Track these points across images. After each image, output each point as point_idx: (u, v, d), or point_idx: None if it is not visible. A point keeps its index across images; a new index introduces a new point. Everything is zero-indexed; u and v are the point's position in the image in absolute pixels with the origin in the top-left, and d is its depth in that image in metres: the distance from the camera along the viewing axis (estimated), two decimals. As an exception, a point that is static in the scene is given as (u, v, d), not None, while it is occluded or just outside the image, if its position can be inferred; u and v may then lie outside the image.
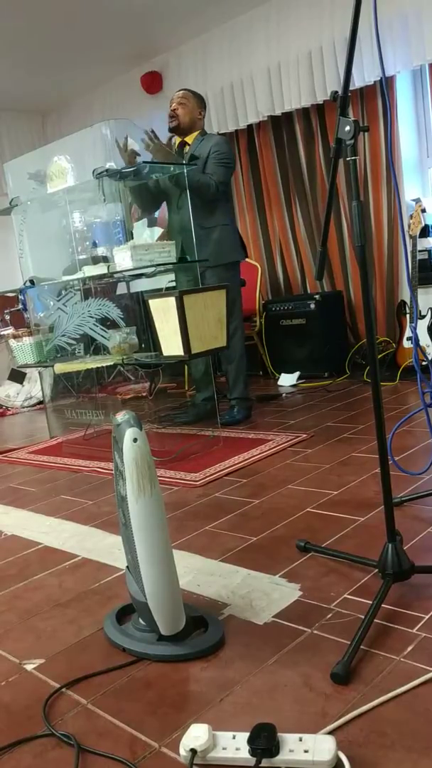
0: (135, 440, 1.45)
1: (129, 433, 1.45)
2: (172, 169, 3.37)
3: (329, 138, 4.76)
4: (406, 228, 3.75)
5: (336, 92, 1.50)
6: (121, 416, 1.50)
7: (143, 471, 1.45)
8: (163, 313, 2.83)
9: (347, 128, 1.49)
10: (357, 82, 4.31)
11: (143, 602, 1.52)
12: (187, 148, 3.65)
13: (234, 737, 1.19)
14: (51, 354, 3.71)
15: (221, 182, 3.50)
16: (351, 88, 1.57)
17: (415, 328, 2.31)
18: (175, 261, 3.21)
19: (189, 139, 3.66)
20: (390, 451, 2.15)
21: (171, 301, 2.78)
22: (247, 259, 5.29)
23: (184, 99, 3.62)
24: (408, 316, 4.28)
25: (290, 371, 4.76)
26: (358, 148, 1.52)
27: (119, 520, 1.57)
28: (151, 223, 3.82)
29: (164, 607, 1.50)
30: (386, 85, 2.75)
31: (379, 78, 4.26)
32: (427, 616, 1.53)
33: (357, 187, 1.52)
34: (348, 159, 1.51)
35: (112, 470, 1.56)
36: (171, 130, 3.65)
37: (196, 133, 3.66)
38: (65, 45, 4.93)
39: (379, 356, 4.45)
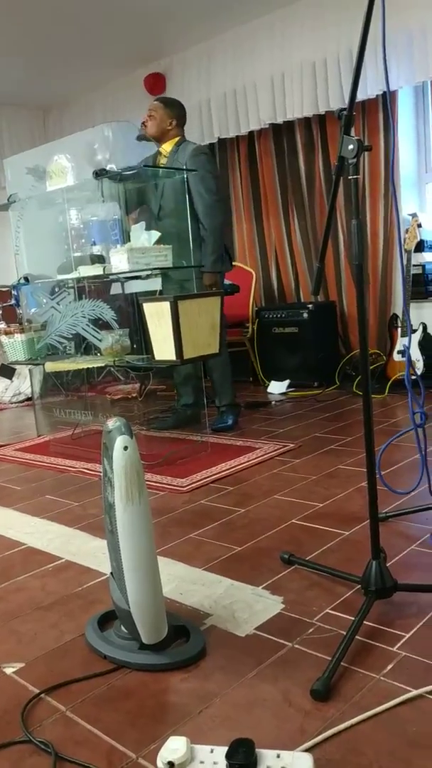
0: (126, 448, 1.45)
1: (120, 441, 1.45)
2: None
3: (329, 149, 4.78)
4: (403, 243, 3.78)
5: (342, 110, 1.51)
6: (112, 423, 1.49)
7: (132, 479, 1.45)
8: (157, 318, 2.83)
9: (350, 147, 1.50)
10: (359, 96, 4.32)
11: (126, 610, 1.51)
12: (160, 158, 3.65)
13: (212, 751, 1.19)
14: (42, 352, 3.69)
15: (217, 200, 3.60)
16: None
17: (408, 347, 2.32)
18: (171, 266, 3.20)
19: (164, 147, 3.65)
20: (378, 466, 2.16)
21: (165, 306, 2.78)
22: (242, 266, 5.32)
23: (153, 111, 3.62)
24: (399, 329, 4.30)
25: (280, 379, 4.77)
26: (358, 164, 1.52)
27: (105, 526, 1.56)
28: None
29: (147, 616, 1.50)
30: (389, 100, 2.76)
31: (381, 92, 4.29)
32: (408, 635, 1.54)
33: (357, 206, 1.53)
34: (350, 178, 1.52)
35: (98, 472, 1.55)
36: (137, 138, 3.63)
37: (170, 142, 3.64)
38: (70, 43, 4.92)
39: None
